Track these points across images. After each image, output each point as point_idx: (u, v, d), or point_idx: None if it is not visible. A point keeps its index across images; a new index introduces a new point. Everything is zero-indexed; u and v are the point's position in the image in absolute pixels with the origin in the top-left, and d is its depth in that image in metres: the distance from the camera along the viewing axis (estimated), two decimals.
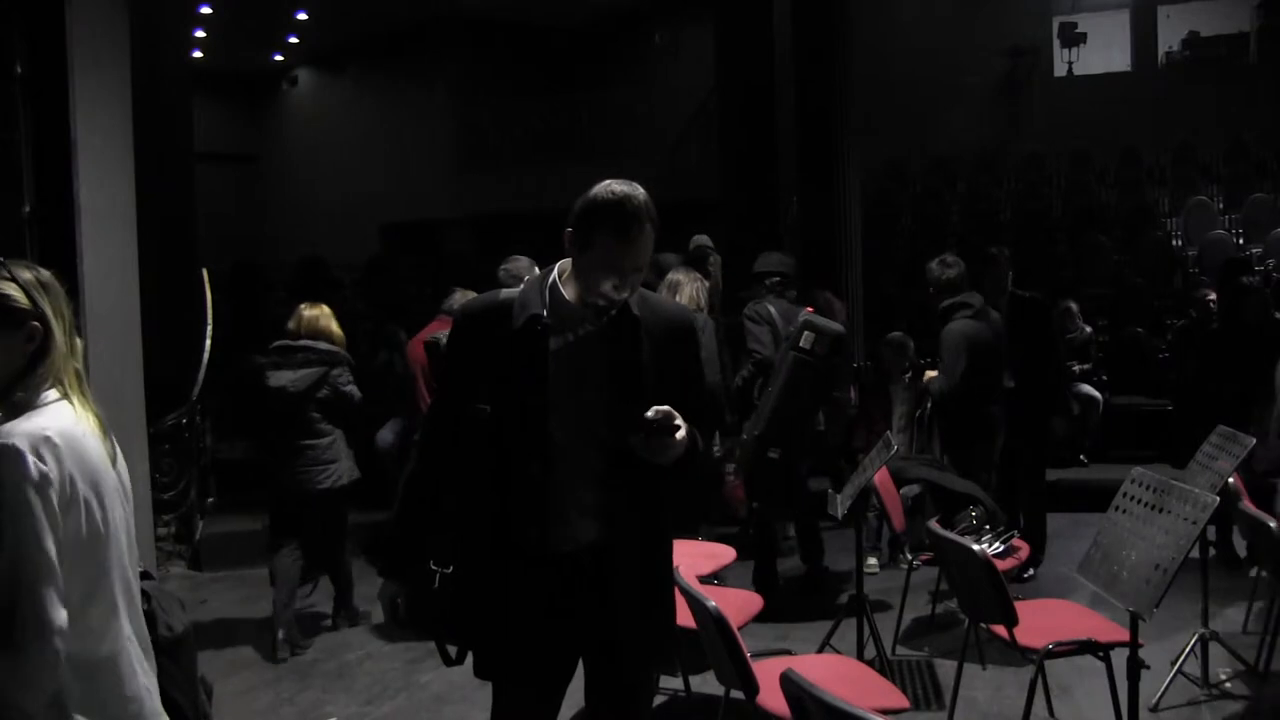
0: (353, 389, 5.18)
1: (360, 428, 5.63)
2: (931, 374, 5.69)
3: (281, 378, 5.06)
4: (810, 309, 5.52)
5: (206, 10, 13.03)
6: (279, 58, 16.77)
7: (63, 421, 1.86)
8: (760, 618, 4.03)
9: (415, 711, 4.32)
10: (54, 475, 1.80)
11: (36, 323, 1.90)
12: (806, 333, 5.05)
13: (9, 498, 1.77)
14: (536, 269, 4.24)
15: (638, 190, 2.32)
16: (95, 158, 5.06)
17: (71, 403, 1.91)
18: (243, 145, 17.31)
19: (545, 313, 2.34)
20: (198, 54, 13.99)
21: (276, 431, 5.12)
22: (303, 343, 5.14)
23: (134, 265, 5.34)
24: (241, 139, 17.32)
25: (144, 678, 1.98)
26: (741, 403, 5.49)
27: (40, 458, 1.79)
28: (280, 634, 4.98)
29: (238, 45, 15.23)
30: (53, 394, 1.89)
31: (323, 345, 5.15)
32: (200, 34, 13.70)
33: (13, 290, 1.89)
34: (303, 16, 14.42)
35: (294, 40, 15.83)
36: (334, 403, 5.13)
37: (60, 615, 1.78)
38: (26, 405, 1.86)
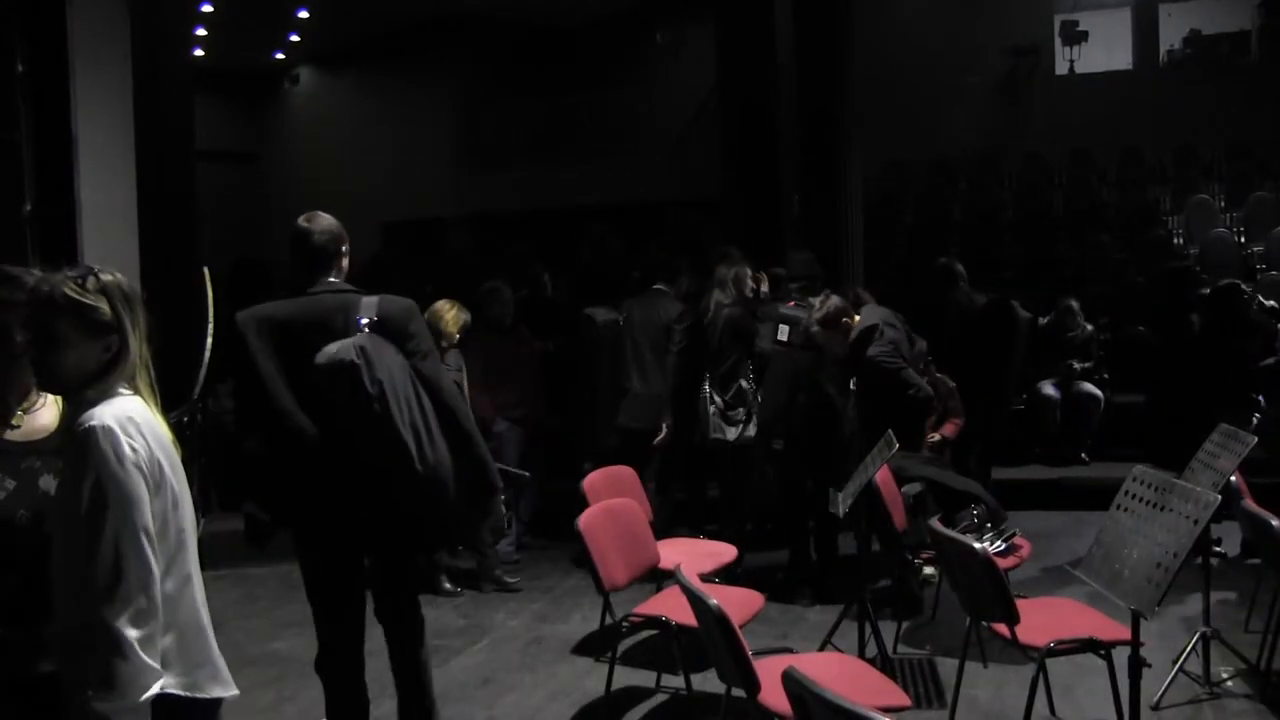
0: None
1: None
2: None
3: None
4: (791, 303, 5.86)
5: (208, 8, 13.02)
6: (280, 56, 16.76)
7: (139, 407, 2.02)
8: (761, 616, 4.04)
9: None
10: (143, 452, 1.95)
11: (116, 334, 2.02)
12: (781, 325, 5.45)
13: (107, 474, 1.90)
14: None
15: None
16: (96, 156, 5.07)
17: (142, 397, 2.05)
18: (244, 143, 17.30)
19: None
20: (199, 52, 13.96)
21: None
22: None
23: (135, 264, 5.34)
24: (243, 137, 17.32)
25: (215, 643, 2.13)
26: None
27: (130, 435, 1.94)
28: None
29: (239, 43, 15.22)
30: (123, 391, 2.03)
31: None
32: (201, 32, 13.69)
33: (102, 303, 2.00)
34: (304, 15, 14.40)
35: (295, 39, 15.81)
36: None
37: (158, 574, 1.95)
38: (95, 403, 1.98)
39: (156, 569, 1.94)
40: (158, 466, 1.98)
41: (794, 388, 5.45)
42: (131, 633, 1.88)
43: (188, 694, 2.02)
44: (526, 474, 6.28)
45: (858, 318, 5.19)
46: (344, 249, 3.40)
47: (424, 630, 3.44)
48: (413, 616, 3.41)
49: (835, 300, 5.17)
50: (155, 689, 1.92)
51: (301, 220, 3.36)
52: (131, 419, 1.96)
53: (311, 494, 3.18)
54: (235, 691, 2.15)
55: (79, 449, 1.92)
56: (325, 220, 3.39)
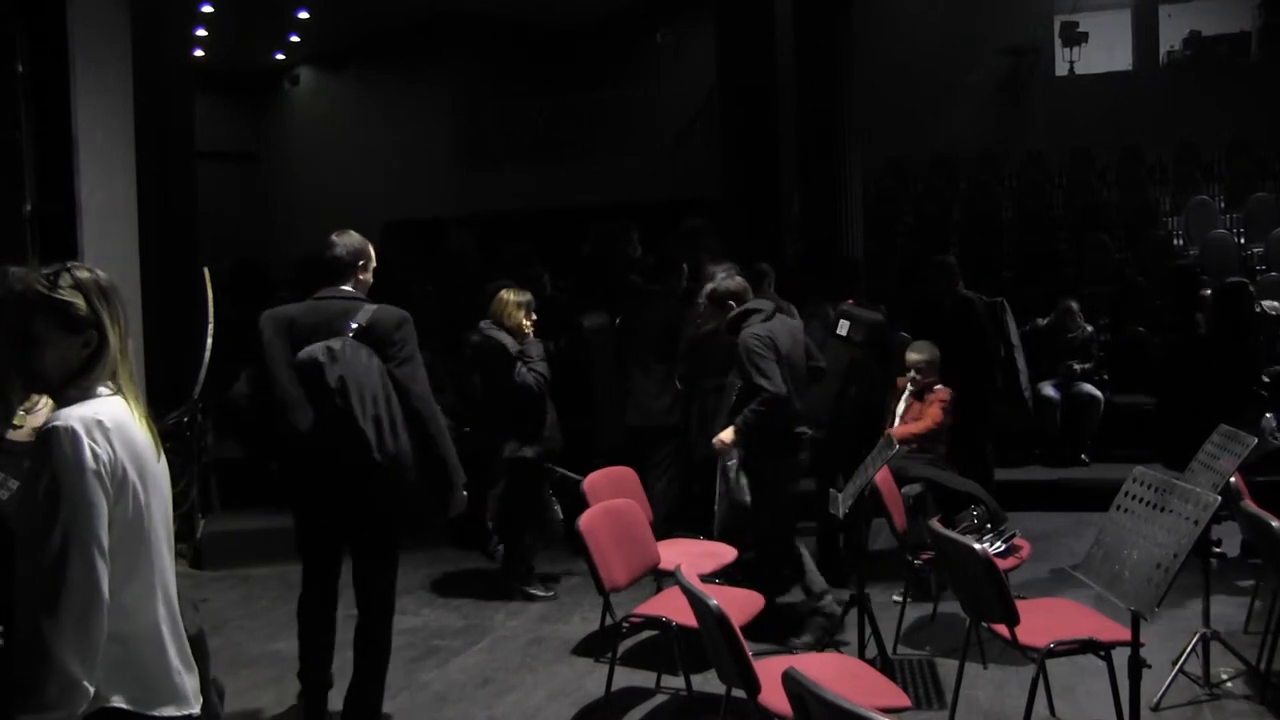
0: (521, 376, 5.47)
1: (526, 412, 5.61)
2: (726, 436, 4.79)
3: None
4: (851, 301, 5.95)
5: (208, 8, 13.02)
6: (281, 56, 16.74)
7: (114, 409, 1.97)
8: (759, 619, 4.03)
9: (415, 711, 4.33)
10: (106, 457, 1.90)
11: (94, 329, 1.99)
12: (843, 321, 5.48)
13: (65, 476, 1.86)
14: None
15: None
16: (97, 156, 5.07)
17: (124, 397, 2.01)
18: (244, 143, 17.28)
19: None
20: (199, 52, 13.95)
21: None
22: (481, 324, 5.68)
23: (135, 263, 5.35)
24: (243, 137, 17.29)
25: (177, 659, 2.05)
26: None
27: (94, 439, 1.89)
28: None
29: (240, 43, 15.21)
30: (105, 389, 1.99)
31: (487, 330, 5.58)
32: (202, 32, 13.68)
33: (77, 299, 1.98)
34: (304, 15, 14.40)
35: (296, 39, 15.80)
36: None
37: (105, 588, 1.87)
38: (79, 400, 1.96)
39: (104, 581, 1.86)
40: (121, 472, 1.92)
41: (846, 380, 5.54)
42: (63, 645, 1.80)
43: (134, 709, 1.94)
44: (579, 477, 6.11)
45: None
46: (362, 263, 3.78)
47: (390, 615, 3.83)
48: (382, 599, 3.80)
49: (735, 281, 4.95)
50: (83, 707, 1.83)
51: (334, 234, 3.81)
52: (100, 422, 1.90)
53: (304, 473, 3.69)
54: (194, 711, 2.05)
55: (40, 448, 1.88)
56: (351, 237, 3.80)
